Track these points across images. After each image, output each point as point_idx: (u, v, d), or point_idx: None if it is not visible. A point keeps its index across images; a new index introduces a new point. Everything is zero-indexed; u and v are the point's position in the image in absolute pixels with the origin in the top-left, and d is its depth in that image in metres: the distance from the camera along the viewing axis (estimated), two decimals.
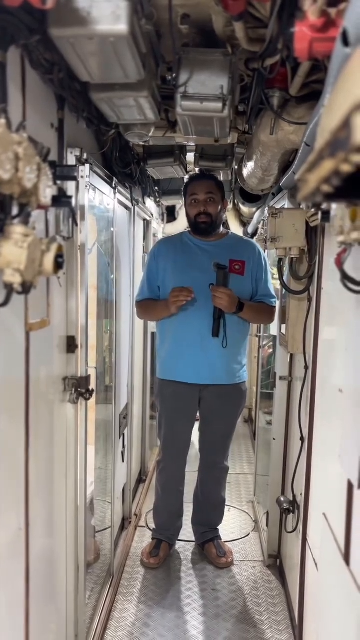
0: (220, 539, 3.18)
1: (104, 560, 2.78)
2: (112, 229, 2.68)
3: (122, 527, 3.27)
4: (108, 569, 2.77)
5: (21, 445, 1.48)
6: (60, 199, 1.51)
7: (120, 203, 2.81)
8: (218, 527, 3.21)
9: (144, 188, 3.64)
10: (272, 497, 2.96)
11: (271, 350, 4.48)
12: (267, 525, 3.12)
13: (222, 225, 3.00)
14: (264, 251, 2.96)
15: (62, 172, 1.75)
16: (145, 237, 4.08)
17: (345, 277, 1.35)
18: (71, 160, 1.87)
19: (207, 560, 3.09)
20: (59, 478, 1.88)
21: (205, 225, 2.84)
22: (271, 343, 4.35)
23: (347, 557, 1.46)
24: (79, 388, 1.94)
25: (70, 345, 1.95)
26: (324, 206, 1.54)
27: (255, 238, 4.00)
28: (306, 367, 2.30)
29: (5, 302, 1.12)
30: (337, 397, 1.67)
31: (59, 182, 1.63)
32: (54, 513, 1.84)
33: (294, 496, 2.58)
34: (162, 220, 5.26)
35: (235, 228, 5.40)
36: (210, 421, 2.97)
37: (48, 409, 1.76)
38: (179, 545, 3.24)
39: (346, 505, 1.49)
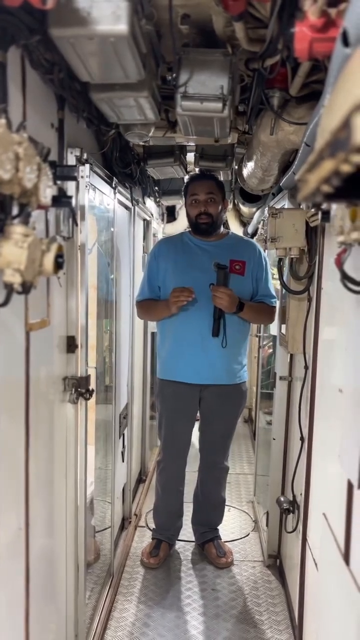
0: (220, 539, 3.18)
1: (103, 560, 2.78)
2: (112, 229, 2.68)
3: (122, 527, 3.27)
4: (108, 569, 2.77)
5: (21, 445, 1.48)
6: (60, 199, 1.51)
7: (120, 203, 2.81)
8: (218, 527, 3.21)
9: (144, 188, 3.64)
10: (272, 497, 2.96)
11: (271, 350, 4.48)
12: (267, 525, 3.12)
13: (222, 225, 3.00)
14: (264, 251, 2.96)
15: (62, 172, 1.75)
16: (145, 237, 4.08)
17: (345, 277, 1.35)
18: (71, 160, 1.87)
19: (207, 560, 3.09)
20: (59, 478, 1.88)
21: (205, 226, 2.84)
22: (271, 343, 4.36)
23: (346, 557, 1.46)
24: (79, 388, 1.94)
25: (70, 345, 1.95)
26: (324, 206, 1.54)
27: (255, 238, 4.00)
28: (306, 367, 2.30)
29: (5, 302, 1.12)
30: (337, 397, 1.67)
31: (59, 182, 1.63)
32: (53, 513, 1.84)
33: (293, 496, 2.58)
34: (162, 220, 5.26)
35: (235, 228, 5.40)
36: (211, 421, 2.97)
37: (48, 409, 1.76)
38: (178, 545, 3.24)
39: (346, 505, 1.49)
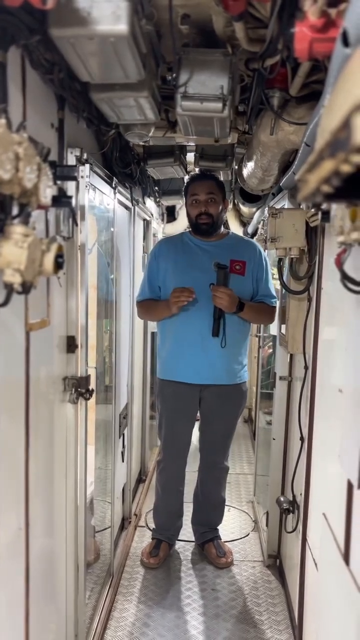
0: (220, 539, 3.18)
1: (103, 560, 2.78)
2: (112, 229, 2.68)
3: (122, 527, 3.27)
4: (108, 569, 2.77)
5: (21, 445, 1.48)
6: (60, 199, 1.51)
7: (120, 203, 2.81)
8: (218, 527, 3.21)
9: (144, 188, 3.64)
10: (271, 497, 2.96)
11: (271, 350, 4.48)
12: (266, 525, 3.12)
13: (222, 226, 3.00)
14: (264, 251, 2.96)
15: (62, 172, 1.75)
16: (145, 237, 4.08)
17: (345, 277, 1.35)
18: (71, 160, 1.87)
19: (206, 560, 3.09)
20: (58, 478, 1.88)
21: (206, 226, 2.84)
22: (271, 343, 4.36)
23: (346, 557, 1.46)
24: (78, 388, 1.94)
25: (70, 345, 1.95)
26: (324, 206, 1.54)
27: (255, 238, 4.00)
28: (306, 367, 2.30)
29: (5, 302, 1.12)
30: (336, 397, 1.67)
31: (59, 182, 1.63)
32: (53, 513, 1.84)
33: (293, 496, 2.58)
34: (162, 220, 5.26)
35: (235, 228, 5.40)
36: (211, 421, 2.97)
37: (48, 409, 1.76)
38: (178, 545, 3.24)
39: (346, 505, 1.49)
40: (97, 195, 2.29)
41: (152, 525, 3.25)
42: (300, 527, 2.31)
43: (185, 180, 3.62)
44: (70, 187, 1.86)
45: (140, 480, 4.06)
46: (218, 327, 2.73)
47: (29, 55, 1.45)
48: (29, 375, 1.51)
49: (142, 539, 3.31)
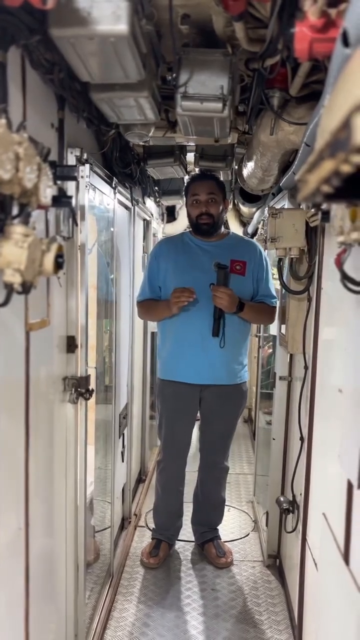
0: (220, 539, 3.18)
1: (103, 560, 2.78)
2: (112, 229, 2.68)
3: (122, 527, 3.27)
4: (108, 569, 2.77)
5: (21, 445, 1.49)
6: (60, 199, 1.52)
7: (120, 203, 2.81)
8: (218, 527, 3.21)
9: (144, 188, 3.64)
10: (271, 497, 2.96)
11: (271, 350, 4.48)
12: (266, 525, 3.12)
13: (222, 226, 3.00)
14: (264, 251, 2.96)
15: (62, 172, 1.75)
16: (145, 237, 4.08)
17: (345, 277, 1.35)
18: (71, 160, 1.87)
19: (206, 560, 3.09)
20: (58, 478, 1.88)
21: (206, 226, 2.84)
22: (271, 343, 4.36)
23: (346, 557, 1.46)
24: (78, 388, 1.94)
25: (70, 345, 1.95)
26: (324, 206, 1.54)
27: (255, 238, 4.00)
28: (306, 367, 2.30)
29: (5, 302, 1.12)
30: (336, 397, 1.67)
31: (59, 182, 1.63)
32: (53, 513, 1.84)
33: (293, 496, 2.58)
34: (162, 220, 5.26)
35: (235, 228, 5.40)
36: (211, 421, 2.97)
37: (48, 409, 1.76)
38: (178, 545, 3.24)
39: (346, 505, 1.49)
40: (97, 195, 2.29)
41: (152, 525, 3.25)
42: (300, 527, 2.31)
43: (186, 180, 3.63)
44: (70, 187, 1.86)
45: (140, 480, 4.06)
46: (218, 327, 2.73)
47: (29, 55, 1.45)
48: (29, 375, 1.51)
49: (142, 539, 3.31)
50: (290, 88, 1.85)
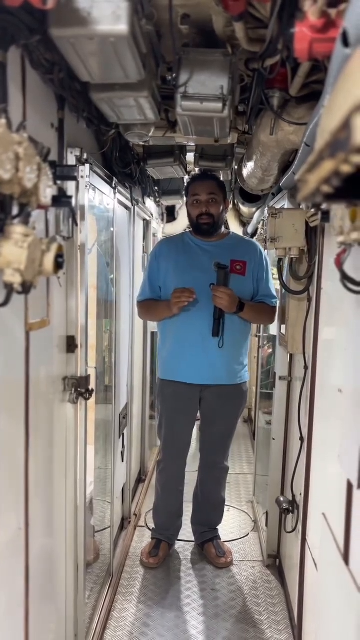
0: (220, 539, 3.18)
1: (103, 560, 2.78)
2: (112, 229, 2.68)
3: (122, 527, 3.27)
4: (107, 569, 2.77)
5: (21, 445, 1.49)
6: (60, 199, 1.52)
7: (120, 203, 2.81)
8: (217, 527, 3.21)
9: (144, 188, 3.64)
10: (271, 497, 2.96)
11: (271, 350, 4.48)
12: (266, 525, 3.12)
13: (223, 226, 3.00)
14: (264, 251, 2.97)
15: (62, 172, 1.75)
16: (145, 237, 4.08)
17: (345, 278, 1.35)
18: (71, 160, 1.87)
19: (206, 560, 3.09)
20: (58, 478, 1.88)
21: (207, 226, 2.84)
22: (271, 343, 4.36)
23: (346, 557, 1.46)
24: (78, 388, 1.94)
25: (70, 345, 1.95)
26: (324, 206, 1.54)
27: (255, 238, 4.00)
28: (306, 367, 2.30)
29: (5, 302, 1.12)
30: (336, 397, 1.67)
31: (59, 182, 1.63)
32: (53, 513, 1.84)
33: (293, 496, 2.59)
34: (162, 220, 5.26)
35: (235, 228, 5.40)
36: (211, 421, 2.97)
37: (48, 409, 1.76)
38: (178, 545, 3.24)
39: (345, 505, 1.49)
40: (97, 195, 2.29)
41: (152, 525, 3.26)
42: (299, 527, 2.31)
43: (186, 180, 3.62)
44: (70, 187, 1.86)
45: (140, 480, 4.06)
46: (218, 327, 2.73)
47: (29, 55, 1.45)
48: (29, 375, 1.51)
49: (142, 539, 3.31)
50: (290, 88, 1.85)
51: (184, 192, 3.28)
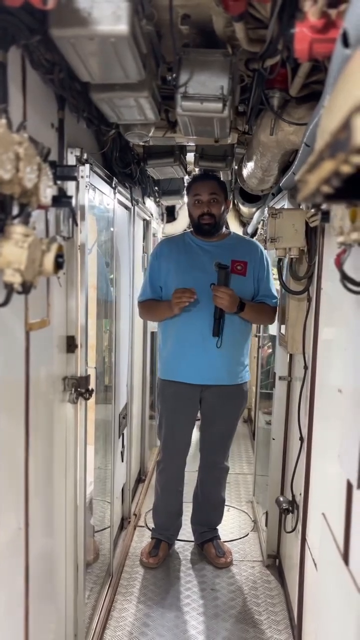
0: (220, 539, 3.18)
1: (103, 560, 2.78)
2: (112, 229, 2.68)
3: (122, 527, 3.27)
4: (107, 569, 2.77)
5: (21, 445, 1.49)
6: (60, 199, 1.52)
7: (120, 203, 2.81)
8: (217, 527, 3.21)
9: (144, 188, 3.64)
10: (271, 497, 2.96)
11: (271, 350, 4.48)
12: (266, 525, 3.12)
13: (223, 226, 3.00)
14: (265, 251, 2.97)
15: (62, 172, 1.75)
16: (144, 237, 4.08)
17: (345, 278, 1.35)
18: (71, 160, 1.87)
19: (206, 560, 3.09)
20: (58, 478, 1.89)
21: (208, 226, 2.84)
22: (270, 343, 4.36)
23: (346, 557, 1.46)
24: (78, 388, 1.94)
25: (70, 345, 1.96)
26: (324, 206, 1.54)
27: (255, 238, 4.00)
28: (305, 367, 2.30)
29: (5, 302, 1.12)
30: (336, 397, 1.67)
31: (59, 182, 1.63)
32: (53, 512, 1.84)
33: (293, 496, 2.59)
34: (162, 220, 5.26)
35: (235, 228, 5.40)
36: (211, 421, 2.97)
37: (48, 409, 1.77)
38: (178, 545, 3.24)
39: (345, 505, 1.49)
40: (97, 195, 2.29)
41: (152, 525, 3.26)
42: (299, 527, 2.31)
43: (186, 181, 3.62)
44: (70, 187, 1.86)
45: (139, 480, 4.06)
46: (218, 327, 2.73)
47: (29, 55, 1.45)
48: (29, 375, 1.52)
49: (142, 539, 3.31)
50: (290, 88, 1.85)
51: (184, 192, 3.28)
